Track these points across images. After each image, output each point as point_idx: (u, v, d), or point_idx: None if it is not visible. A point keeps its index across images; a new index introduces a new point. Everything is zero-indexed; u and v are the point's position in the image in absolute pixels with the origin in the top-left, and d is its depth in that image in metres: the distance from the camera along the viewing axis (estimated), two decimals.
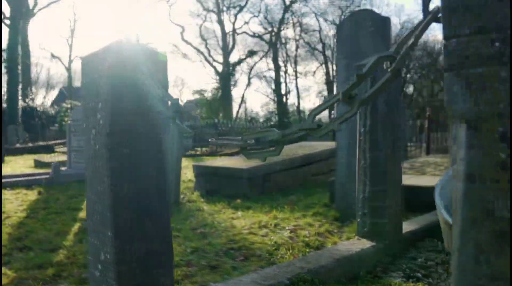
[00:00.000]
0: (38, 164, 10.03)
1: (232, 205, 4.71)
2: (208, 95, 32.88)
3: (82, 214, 4.52)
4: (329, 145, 7.01)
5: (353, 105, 1.13)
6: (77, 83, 41.92)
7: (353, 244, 2.27)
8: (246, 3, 34.09)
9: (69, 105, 25.36)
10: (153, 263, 1.13)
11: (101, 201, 1.10)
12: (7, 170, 9.11)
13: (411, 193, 3.97)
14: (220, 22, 33.79)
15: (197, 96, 35.28)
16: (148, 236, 1.12)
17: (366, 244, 2.25)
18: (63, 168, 7.40)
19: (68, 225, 4.06)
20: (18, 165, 10.41)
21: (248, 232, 3.51)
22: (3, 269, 2.95)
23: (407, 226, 2.62)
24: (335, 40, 39.30)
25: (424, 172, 5.11)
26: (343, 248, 2.18)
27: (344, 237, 3.29)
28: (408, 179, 4.36)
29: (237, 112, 38.60)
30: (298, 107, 39.54)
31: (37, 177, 6.85)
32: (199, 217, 4.22)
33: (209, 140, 1.13)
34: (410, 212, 3.76)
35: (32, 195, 5.75)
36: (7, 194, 5.80)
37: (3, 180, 6.37)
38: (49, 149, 15.14)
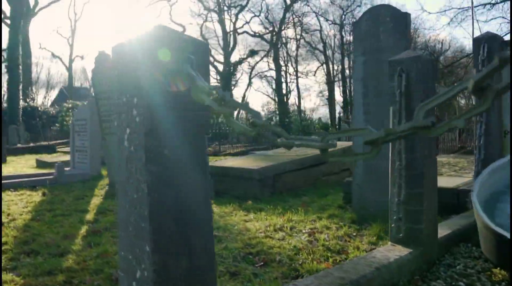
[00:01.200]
0: (40, 164, 9.89)
1: (244, 207, 4.57)
2: None
3: (89, 216, 4.38)
4: (340, 144, 6.87)
5: (486, 97, 0.86)
6: (77, 83, 41.79)
7: (389, 251, 2.13)
8: (247, 2, 33.94)
9: (70, 105, 25.22)
10: (197, 280, 0.99)
11: (137, 210, 0.96)
12: (9, 170, 8.97)
13: None
14: (221, 22, 33.63)
15: None
16: (192, 251, 0.98)
17: (402, 251, 2.12)
18: (66, 168, 7.26)
19: (76, 228, 3.92)
20: (20, 165, 10.26)
21: (264, 235, 3.37)
22: (11, 276, 2.81)
23: (440, 231, 2.48)
24: (335, 39, 39.23)
25: (440, 173, 4.97)
26: (379, 256, 2.04)
27: (365, 241, 3.15)
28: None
29: (238, 112, 38.44)
30: (299, 107, 39.38)
31: (41, 177, 6.72)
32: None
33: (278, 140, 0.98)
34: None
35: (36, 196, 5.61)
36: (11, 195, 5.66)
37: (6, 181, 6.23)
38: (51, 149, 15.00)
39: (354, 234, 3.36)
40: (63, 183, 6.63)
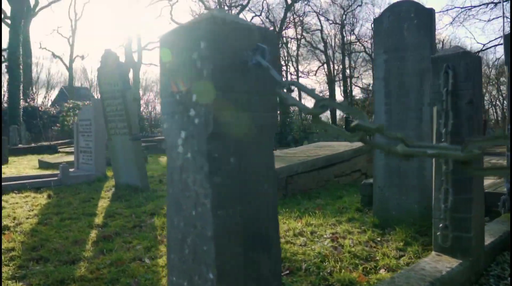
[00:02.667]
0: (43, 164, 9.73)
1: None
2: None
3: (98, 220, 4.23)
4: (350, 145, 6.73)
5: None
6: (77, 83, 41.59)
7: (436, 262, 1.98)
8: (248, 2, 33.74)
9: (70, 105, 25.04)
10: None
11: (197, 230, 0.80)
12: (12, 171, 8.81)
13: None
14: None
15: None
16: (260, 276, 0.82)
17: (451, 262, 1.96)
18: (70, 170, 7.10)
19: (85, 233, 3.77)
20: (22, 166, 10.10)
21: (285, 241, 3.22)
22: (20, 285, 2.66)
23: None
24: (336, 39, 39.04)
25: None
26: (429, 268, 1.89)
27: (392, 247, 3.00)
28: None
29: None
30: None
31: (45, 179, 6.56)
32: None
33: (398, 148, 0.81)
34: None
35: (41, 198, 5.45)
36: (15, 197, 5.50)
37: (10, 183, 6.07)
38: (52, 150, 14.83)
39: (379, 239, 3.21)
40: (68, 184, 6.47)
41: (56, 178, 6.56)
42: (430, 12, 3.40)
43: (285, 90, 0.85)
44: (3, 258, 3.15)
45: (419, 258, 2.74)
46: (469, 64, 1.97)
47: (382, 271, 2.55)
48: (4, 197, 5.45)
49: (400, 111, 3.52)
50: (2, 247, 3.38)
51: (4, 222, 4.10)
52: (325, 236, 3.33)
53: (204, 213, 0.79)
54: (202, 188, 0.79)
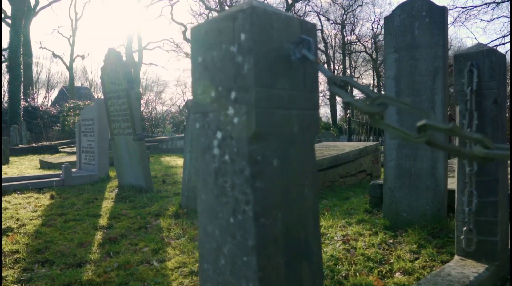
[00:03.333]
0: (45, 165, 9.66)
1: None
2: None
3: (102, 221, 4.16)
4: (355, 145, 6.67)
5: None
6: (77, 83, 41.49)
7: (462, 266, 1.91)
8: None
9: (71, 105, 24.97)
10: None
11: (237, 240, 0.73)
12: (14, 171, 8.74)
13: None
14: None
15: None
16: None
17: (477, 266, 1.90)
18: (73, 170, 7.04)
19: (90, 234, 3.70)
20: (24, 166, 10.03)
21: None
22: None
23: None
24: (336, 39, 38.94)
25: None
26: (455, 273, 1.83)
27: (405, 250, 2.94)
28: (454, 183, 4.01)
29: None
30: None
31: (48, 179, 6.49)
32: None
33: (474, 150, 0.73)
34: None
35: (44, 199, 5.38)
36: (18, 198, 5.43)
37: (12, 183, 6.01)
38: (53, 150, 14.76)
39: (391, 241, 3.15)
40: (71, 185, 6.41)
41: (58, 178, 6.50)
42: (443, 10, 3.34)
43: (336, 87, 0.78)
44: (7, 260, 3.09)
45: (434, 261, 2.68)
46: (494, 62, 1.91)
47: (397, 275, 2.49)
48: (6, 198, 5.38)
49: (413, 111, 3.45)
50: (6, 249, 3.32)
51: (7, 224, 4.04)
52: (336, 238, 3.27)
53: (244, 221, 0.72)
54: (243, 194, 0.73)
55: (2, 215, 4.43)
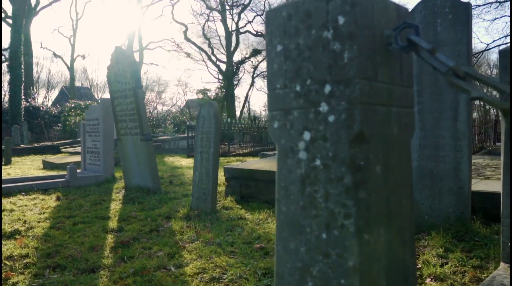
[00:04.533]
0: (47, 165, 9.53)
1: None
2: (212, 94, 32.38)
3: (112, 224, 4.05)
4: None
5: None
6: (77, 83, 41.31)
7: None
8: (250, 1, 33.56)
9: (72, 105, 24.85)
10: None
11: (329, 259, 0.62)
12: (16, 172, 8.62)
13: (487, 200, 3.52)
14: (224, 21, 33.26)
15: (200, 95, 34.82)
16: None
17: None
18: (77, 170, 6.91)
19: (101, 238, 3.59)
20: (27, 167, 9.91)
21: None
22: None
23: None
24: None
25: (486, 176, 4.66)
26: (507, 282, 1.72)
27: (432, 254, 2.83)
28: (476, 184, 3.91)
29: (241, 111, 38.13)
30: None
31: (53, 180, 6.38)
32: (246, 228, 3.75)
33: None
34: (492, 222, 3.32)
35: (50, 200, 5.27)
36: (23, 199, 5.32)
37: (17, 184, 5.89)
38: (55, 150, 14.64)
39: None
40: (76, 186, 6.29)
41: (63, 179, 6.38)
42: (467, 7, 3.23)
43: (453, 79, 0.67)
44: (17, 265, 2.97)
45: (465, 266, 2.57)
46: None
47: (428, 281, 2.38)
48: (11, 199, 5.27)
49: (434, 110, 3.35)
50: (16, 253, 3.21)
51: (15, 226, 3.93)
52: None
53: (343, 237, 0.61)
54: (341, 206, 0.61)
55: (9, 217, 4.32)
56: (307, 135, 0.68)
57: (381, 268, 0.62)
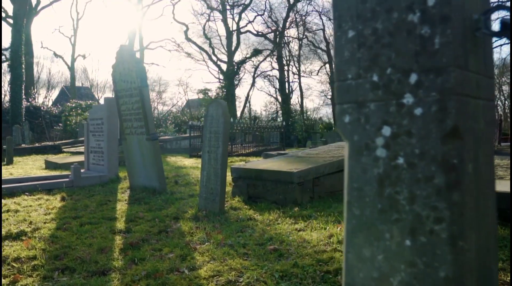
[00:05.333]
0: (50, 165, 9.46)
1: (289, 214, 4.18)
2: (213, 94, 32.32)
3: (119, 225, 3.98)
4: None
5: None
6: (77, 82, 41.20)
7: None
8: (250, 1, 33.52)
9: (73, 105, 24.77)
10: None
11: (415, 268, 0.56)
12: (19, 172, 8.54)
13: (502, 201, 3.46)
14: (225, 21, 33.19)
15: (201, 95, 34.78)
16: None
17: None
18: (81, 170, 6.84)
19: (109, 239, 3.52)
20: (29, 167, 9.83)
21: (331, 248, 2.97)
22: None
23: None
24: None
25: (499, 176, 4.59)
26: None
27: None
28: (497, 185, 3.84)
29: (242, 111, 38.08)
30: (301, 106, 38.99)
31: (57, 180, 6.30)
32: (257, 229, 3.68)
33: None
34: (507, 223, 3.25)
35: (55, 200, 5.20)
36: (27, 199, 5.25)
37: (21, 184, 5.82)
38: (57, 150, 14.56)
39: None
40: (80, 186, 6.22)
41: (67, 179, 6.32)
42: None
43: None
44: (25, 267, 2.91)
45: None
46: None
47: None
48: (15, 199, 5.20)
49: None
50: (23, 255, 3.14)
51: (20, 227, 3.86)
52: None
53: (432, 244, 0.54)
54: (430, 209, 0.55)
55: (15, 218, 4.25)
56: (387, 130, 0.60)
57: (474, 279, 0.55)
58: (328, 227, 3.57)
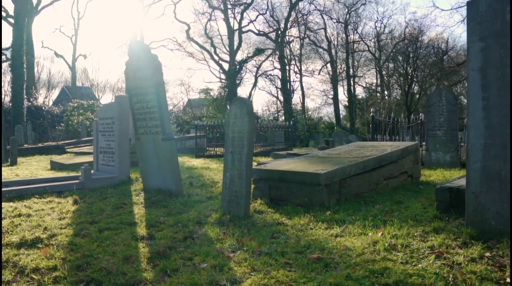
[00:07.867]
0: (56, 166, 9.19)
1: (320, 218, 3.92)
2: (215, 93, 32.06)
3: (141, 231, 3.73)
4: (395, 145, 6.24)
5: None
6: (77, 82, 40.85)
7: None
8: (252, 1, 33.26)
9: (75, 105, 24.49)
10: None
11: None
12: (25, 173, 8.28)
13: None
14: (227, 20, 32.92)
15: (203, 95, 34.51)
16: None
17: None
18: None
19: (132, 247, 3.27)
20: (34, 167, 9.56)
21: (381, 257, 2.73)
22: None
23: None
24: (339, 38, 38.39)
25: None
26: None
27: None
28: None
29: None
30: (303, 106, 38.74)
31: (66, 182, 6.05)
32: (289, 235, 3.44)
33: None
34: None
35: (67, 204, 4.95)
36: (38, 202, 4.99)
37: (30, 186, 5.55)
38: (60, 150, 14.29)
39: (488, 254, 2.72)
40: (91, 188, 5.97)
41: (77, 181, 6.06)
42: None
43: None
44: (46, 280, 2.66)
45: None
46: None
47: None
48: (25, 203, 4.94)
49: (502, 107, 3.04)
50: (42, 265, 2.89)
51: (36, 234, 3.60)
52: (422, 250, 2.84)
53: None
54: None
55: (28, 223, 4.00)
56: None
57: None
58: (367, 232, 3.32)
